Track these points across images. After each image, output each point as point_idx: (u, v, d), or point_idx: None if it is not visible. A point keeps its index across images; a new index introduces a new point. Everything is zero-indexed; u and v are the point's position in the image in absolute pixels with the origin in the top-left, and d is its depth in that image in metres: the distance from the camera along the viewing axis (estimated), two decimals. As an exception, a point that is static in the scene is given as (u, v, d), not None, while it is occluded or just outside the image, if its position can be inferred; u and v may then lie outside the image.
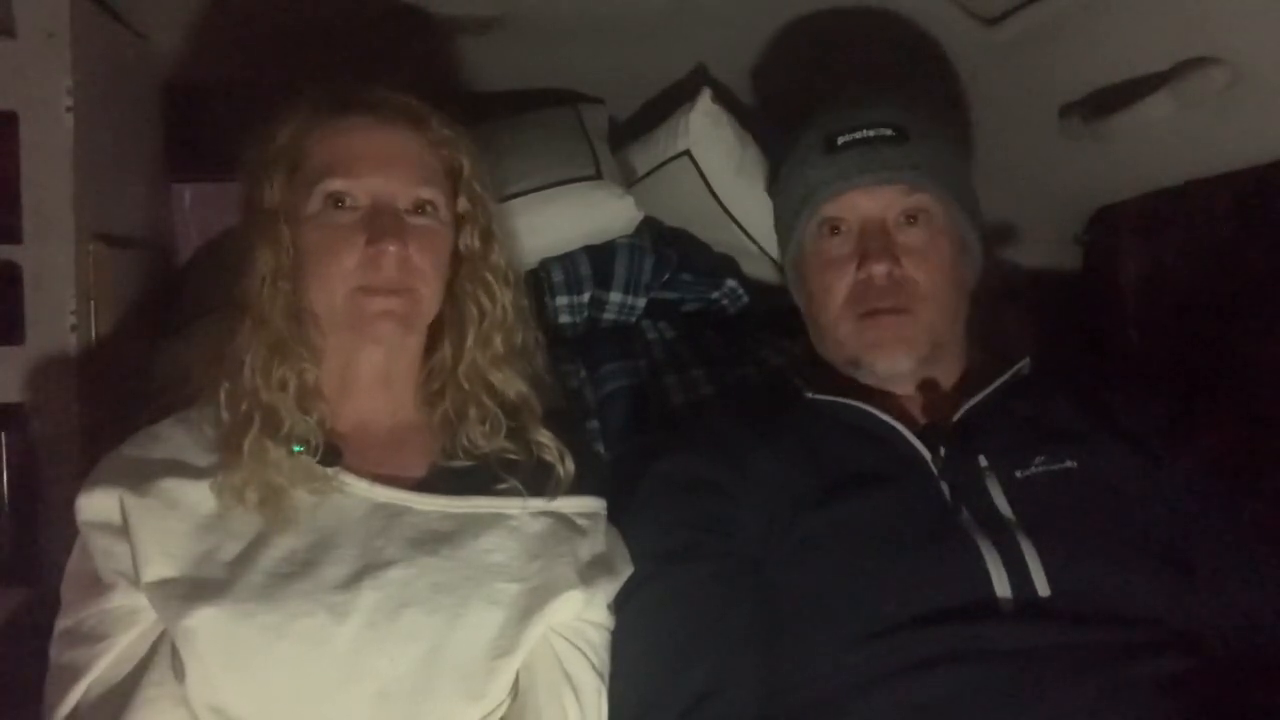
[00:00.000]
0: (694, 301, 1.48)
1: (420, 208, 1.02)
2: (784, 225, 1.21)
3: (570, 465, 1.05)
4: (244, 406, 0.97)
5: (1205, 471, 1.07)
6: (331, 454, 0.99)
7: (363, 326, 1.00)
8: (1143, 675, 0.91)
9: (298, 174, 1.01)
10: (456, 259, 1.08)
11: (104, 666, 0.90)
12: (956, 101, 1.47)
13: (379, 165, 1.00)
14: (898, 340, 1.07)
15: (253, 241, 1.00)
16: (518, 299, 1.10)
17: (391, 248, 0.98)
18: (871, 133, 1.09)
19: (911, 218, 1.08)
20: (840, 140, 1.10)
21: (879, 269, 1.06)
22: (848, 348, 1.11)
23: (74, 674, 0.90)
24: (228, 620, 0.89)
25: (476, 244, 1.09)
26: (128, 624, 0.92)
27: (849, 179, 1.09)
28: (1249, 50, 1.05)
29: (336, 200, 1.00)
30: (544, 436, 1.06)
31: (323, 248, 0.99)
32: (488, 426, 1.05)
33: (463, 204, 1.08)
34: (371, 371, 1.04)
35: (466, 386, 1.06)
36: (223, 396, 0.98)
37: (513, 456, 1.04)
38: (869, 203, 1.09)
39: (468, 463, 1.04)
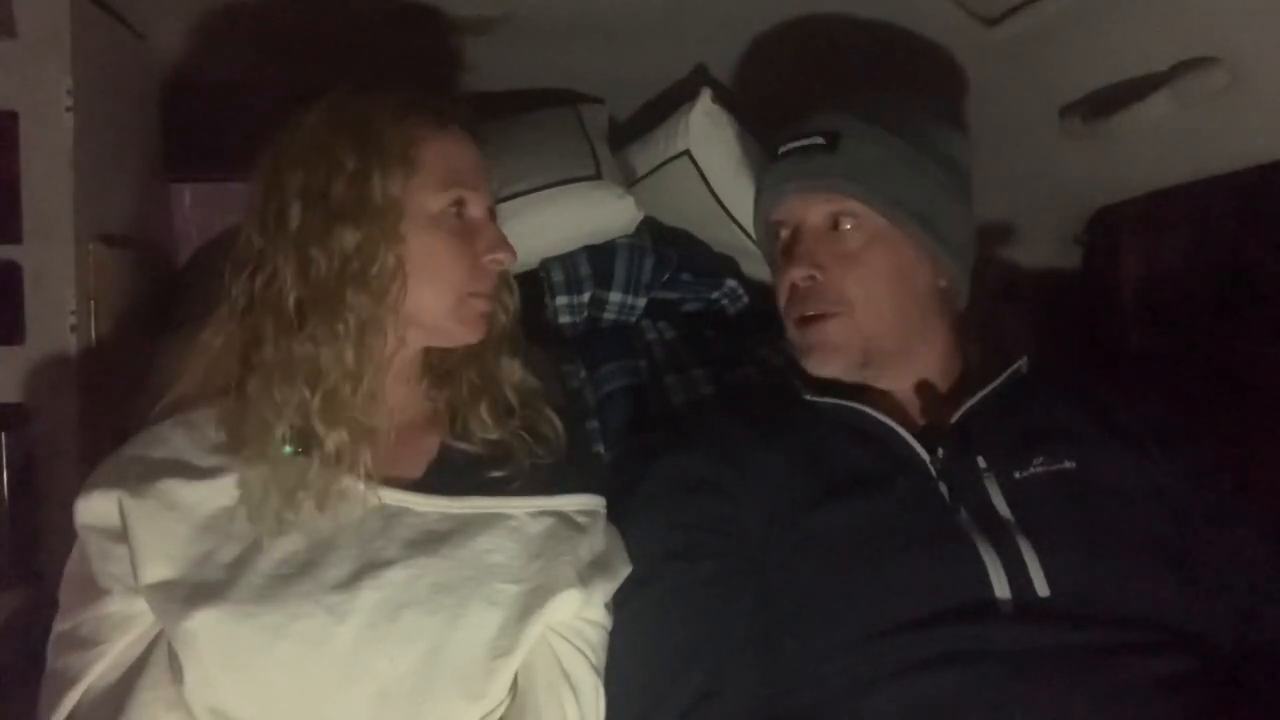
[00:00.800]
0: (694, 301, 1.49)
1: (493, 216, 1.09)
2: None
3: (563, 437, 1.09)
4: (317, 405, 0.95)
5: (1205, 471, 1.07)
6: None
7: (461, 329, 1.04)
8: (1142, 675, 0.91)
9: (417, 176, 1.00)
10: None
11: (98, 672, 0.90)
12: (956, 102, 1.47)
13: (482, 179, 1.07)
14: (823, 346, 1.09)
15: (364, 237, 0.97)
16: (518, 299, 1.16)
17: (507, 257, 1.05)
18: (806, 141, 1.11)
19: (836, 224, 1.09)
20: (781, 149, 1.14)
21: (795, 273, 1.09)
22: (795, 347, 1.14)
23: (69, 679, 0.90)
24: (228, 622, 0.89)
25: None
26: (123, 630, 0.92)
27: (779, 186, 1.12)
28: (1249, 50, 1.05)
29: (458, 208, 1.03)
30: (552, 416, 1.10)
31: (445, 250, 1.02)
32: (499, 411, 1.08)
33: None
34: (397, 371, 1.05)
35: (478, 380, 1.09)
36: (294, 402, 0.95)
37: (519, 441, 1.06)
38: (798, 209, 1.11)
39: (473, 449, 1.05)
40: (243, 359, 1.00)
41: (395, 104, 1.03)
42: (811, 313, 1.09)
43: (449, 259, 1.02)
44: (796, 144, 1.12)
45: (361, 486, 0.97)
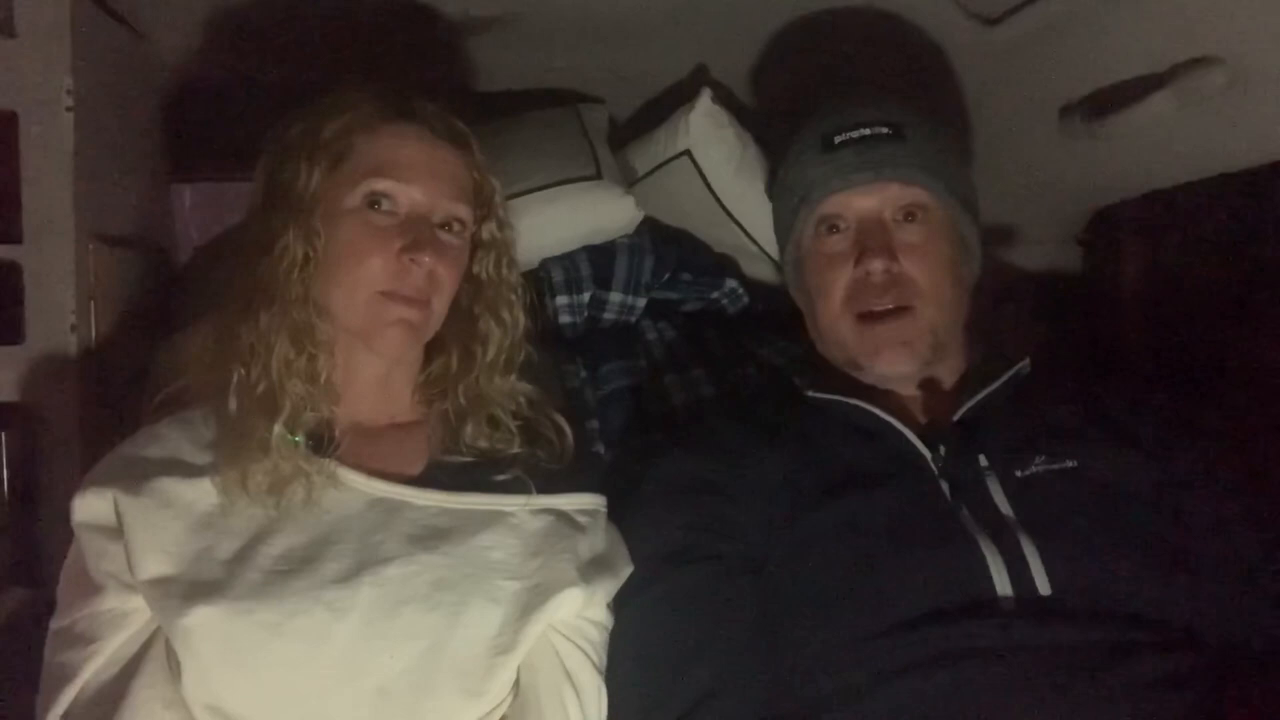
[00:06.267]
0: (694, 301, 1.48)
1: (450, 225, 1.04)
2: (783, 225, 1.21)
3: (570, 441, 1.08)
4: (259, 390, 0.96)
5: (1205, 470, 1.07)
6: (330, 448, 1.00)
7: (375, 331, 1.01)
8: (1143, 674, 0.91)
9: (341, 167, 1.00)
10: (474, 280, 1.10)
11: (94, 669, 0.90)
12: (956, 101, 1.47)
13: (424, 176, 1.02)
14: (899, 344, 1.07)
15: (280, 226, 0.98)
16: (527, 318, 1.13)
17: (426, 258, 0.99)
18: (868, 131, 1.09)
19: (909, 215, 1.08)
20: (837, 139, 1.10)
21: (876, 265, 1.06)
22: (847, 349, 1.11)
23: (66, 676, 0.90)
24: (226, 619, 0.89)
25: (503, 269, 1.11)
26: (118, 627, 0.92)
27: (845, 177, 1.09)
28: (1249, 50, 1.05)
29: (375, 201, 1.00)
30: (560, 421, 1.09)
31: (355, 245, 0.99)
32: (488, 429, 1.07)
33: (491, 229, 1.11)
34: (371, 372, 1.05)
35: (470, 397, 1.07)
36: (234, 381, 0.98)
37: (514, 451, 1.05)
38: (866, 200, 1.09)
39: (467, 459, 1.05)
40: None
41: (349, 99, 1.03)
42: (883, 307, 1.07)
43: (352, 253, 0.99)
44: (858, 133, 1.09)
45: (362, 478, 0.98)
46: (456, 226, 1.05)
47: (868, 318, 1.08)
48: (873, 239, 1.07)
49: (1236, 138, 1.16)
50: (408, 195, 1.01)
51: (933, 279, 1.07)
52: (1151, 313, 1.55)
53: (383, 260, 0.99)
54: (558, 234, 1.40)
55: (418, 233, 1.00)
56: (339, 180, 1.00)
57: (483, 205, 1.09)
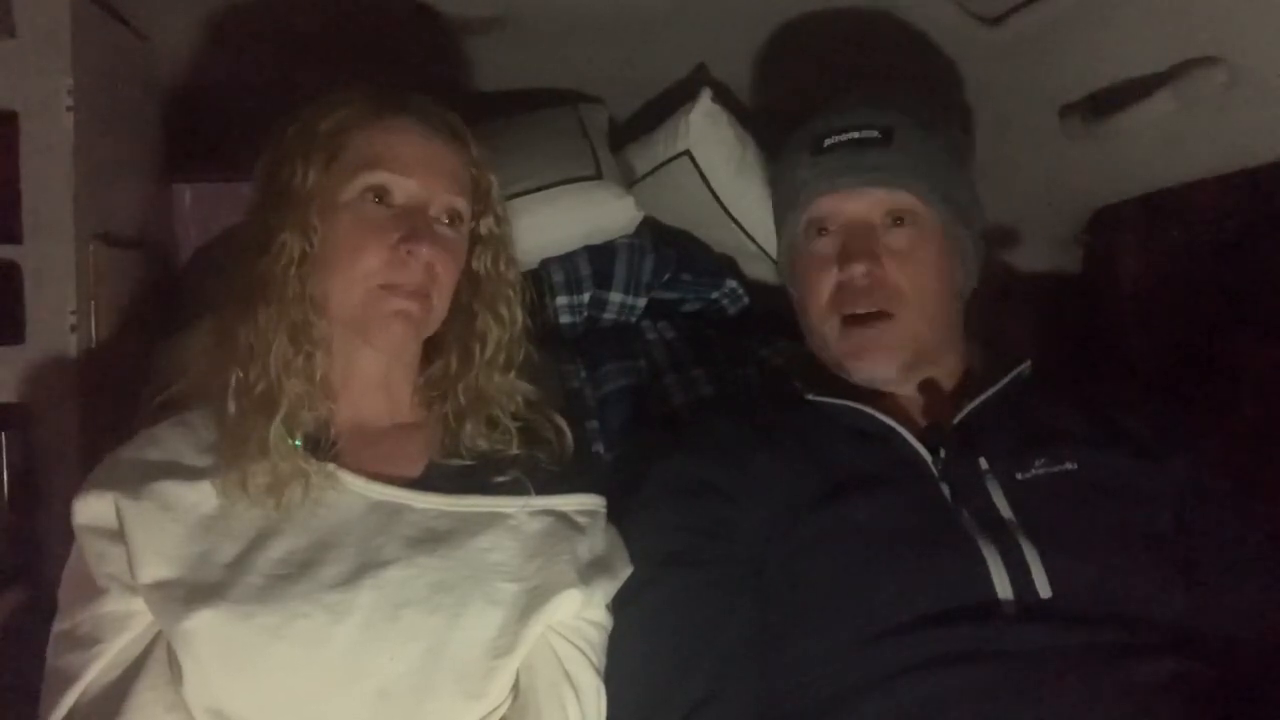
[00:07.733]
0: (694, 301, 1.49)
1: (448, 218, 1.04)
2: (777, 225, 1.22)
3: (570, 442, 1.08)
4: (258, 390, 0.96)
5: (1205, 472, 1.07)
6: (329, 450, 1.00)
7: (375, 325, 1.00)
8: (1144, 676, 0.91)
9: (337, 163, 1.00)
10: (472, 276, 1.09)
11: (97, 671, 0.90)
12: (957, 102, 1.47)
13: (420, 168, 1.02)
14: (878, 348, 1.08)
15: (278, 224, 0.99)
16: (525, 316, 1.12)
17: (424, 250, 0.99)
18: (857, 134, 1.09)
19: (897, 220, 1.08)
20: (826, 142, 1.10)
21: (857, 269, 1.07)
22: (832, 350, 1.11)
23: (68, 679, 0.90)
24: (226, 622, 0.89)
25: (501, 265, 1.11)
26: (120, 629, 0.92)
27: (832, 181, 1.09)
28: (1249, 50, 1.05)
29: (375, 194, 1.00)
30: (560, 422, 1.09)
31: (353, 238, 0.99)
32: (487, 430, 1.06)
33: (488, 224, 1.11)
34: (371, 371, 1.05)
35: (470, 397, 1.07)
36: (233, 383, 0.97)
37: (513, 453, 1.05)
38: (853, 204, 1.09)
39: (467, 461, 1.04)
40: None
41: (344, 96, 1.04)
42: (864, 310, 1.07)
43: (350, 247, 0.99)
44: (846, 136, 1.09)
45: (362, 481, 0.98)
46: (455, 221, 1.05)
47: (851, 321, 1.08)
48: (857, 243, 1.07)
49: (1236, 138, 1.17)
50: (404, 188, 1.01)
51: (918, 284, 1.07)
52: (1151, 313, 1.55)
53: (380, 252, 0.99)
54: (558, 234, 1.39)
55: (415, 224, 1.00)
56: (335, 175, 1.00)
57: (480, 200, 1.09)
